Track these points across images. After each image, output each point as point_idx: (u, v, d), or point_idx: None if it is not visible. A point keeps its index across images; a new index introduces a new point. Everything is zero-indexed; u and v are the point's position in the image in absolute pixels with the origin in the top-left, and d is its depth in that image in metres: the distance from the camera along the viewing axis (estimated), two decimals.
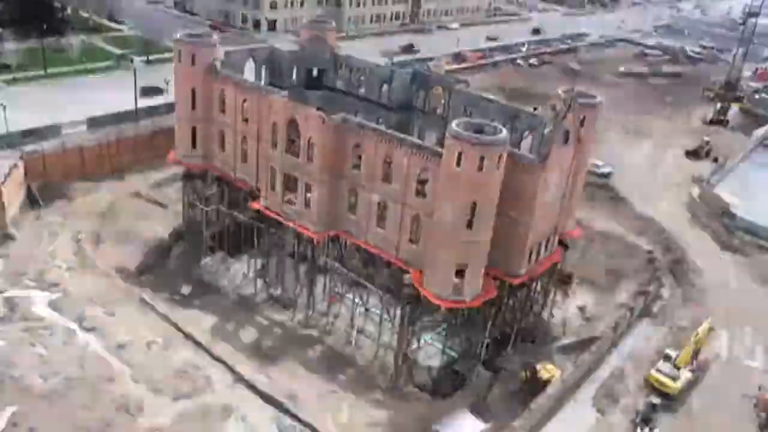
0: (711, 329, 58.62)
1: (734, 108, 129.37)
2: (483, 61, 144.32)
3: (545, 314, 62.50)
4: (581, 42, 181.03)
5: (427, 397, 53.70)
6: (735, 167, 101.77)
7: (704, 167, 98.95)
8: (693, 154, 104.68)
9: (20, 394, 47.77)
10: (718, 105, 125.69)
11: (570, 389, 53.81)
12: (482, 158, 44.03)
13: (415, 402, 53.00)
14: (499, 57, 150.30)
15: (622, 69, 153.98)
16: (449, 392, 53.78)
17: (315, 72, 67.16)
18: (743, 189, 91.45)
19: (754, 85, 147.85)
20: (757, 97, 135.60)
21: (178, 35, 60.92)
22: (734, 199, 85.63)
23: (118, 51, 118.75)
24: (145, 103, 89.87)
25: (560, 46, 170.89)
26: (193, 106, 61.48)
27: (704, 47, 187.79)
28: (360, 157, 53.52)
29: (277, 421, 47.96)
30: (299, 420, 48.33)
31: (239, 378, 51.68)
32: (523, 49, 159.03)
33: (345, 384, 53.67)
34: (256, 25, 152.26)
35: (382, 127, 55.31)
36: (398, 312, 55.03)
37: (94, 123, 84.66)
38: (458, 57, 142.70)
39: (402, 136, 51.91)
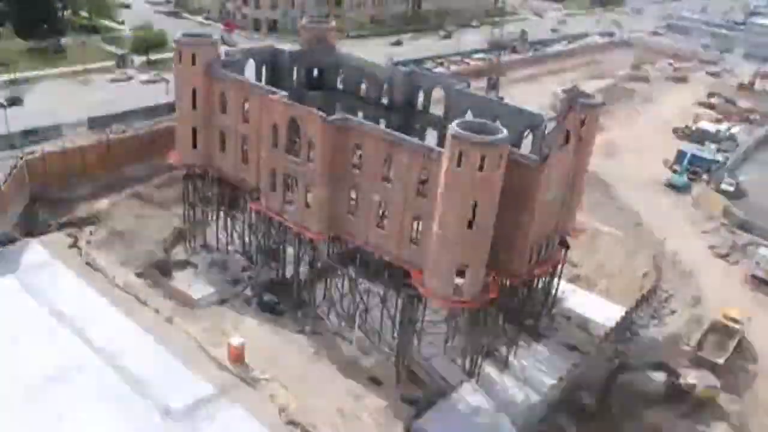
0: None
1: None
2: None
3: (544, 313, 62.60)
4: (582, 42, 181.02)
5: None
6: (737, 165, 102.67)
7: None
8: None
9: None
10: None
11: None
12: (483, 158, 43.95)
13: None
14: None
15: None
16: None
17: (315, 72, 67.12)
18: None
19: None
20: None
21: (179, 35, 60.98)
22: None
23: (118, 51, 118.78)
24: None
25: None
26: (194, 107, 61.44)
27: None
28: (360, 157, 53.50)
29: None
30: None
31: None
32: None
33: (347, 383, 53.63)
34: (257, 25, 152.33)
35: (383, 127, 55.26)
36: (399, 312, 55.06)
37: (94, 123, 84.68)
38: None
39: (402, 136, 51.84)
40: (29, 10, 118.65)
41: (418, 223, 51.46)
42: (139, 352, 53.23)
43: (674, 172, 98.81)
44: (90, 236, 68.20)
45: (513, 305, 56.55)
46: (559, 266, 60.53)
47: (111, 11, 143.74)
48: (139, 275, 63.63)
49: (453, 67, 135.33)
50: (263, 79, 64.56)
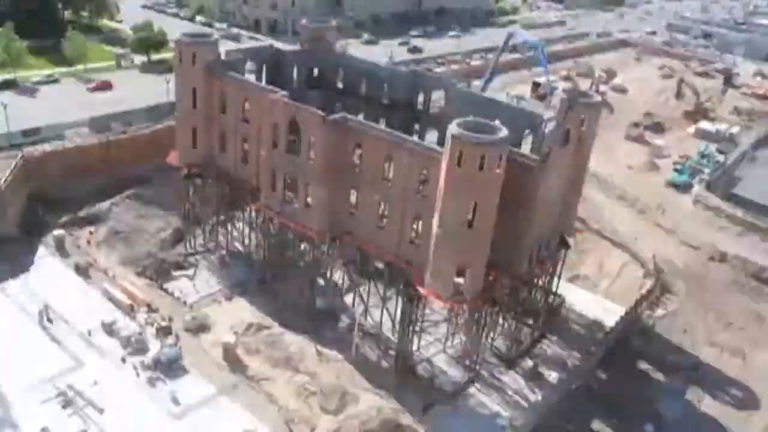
0: None
1: None
2: None
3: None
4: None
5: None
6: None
7: None
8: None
9: None
10: None
11: None
12: (483, 158, 43.92)
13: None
14: None
15: None
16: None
17: (315, 71, 67.07)
18: None
19: None
20: None
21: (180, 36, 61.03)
22: None
23: (118, 51, 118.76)
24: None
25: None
26: (194, 106, 61.43)
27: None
28: (360, 157, 53.48)
29: None
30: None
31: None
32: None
33: (347, 383, 53.56)
34: (257, 25, 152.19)
35: (383, 127, 55.23)
36: (399, 311, 55.09)
37: (94, 122, 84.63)
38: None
39: (403, 135, 51.84)
40: (30, 10, 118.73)
41: (418, 223, 51.46)
42: (138, 352, 53.24)
43: (676, 171, 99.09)
44: (90, 236, 68.22)
45: (513, 305, 56.59)
46: (559, 266, 60.51)
47: (111, 11, 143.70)
48: (139, 275, 63.67)
49: (454, 67, 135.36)
50: (264, 78, 64.55)
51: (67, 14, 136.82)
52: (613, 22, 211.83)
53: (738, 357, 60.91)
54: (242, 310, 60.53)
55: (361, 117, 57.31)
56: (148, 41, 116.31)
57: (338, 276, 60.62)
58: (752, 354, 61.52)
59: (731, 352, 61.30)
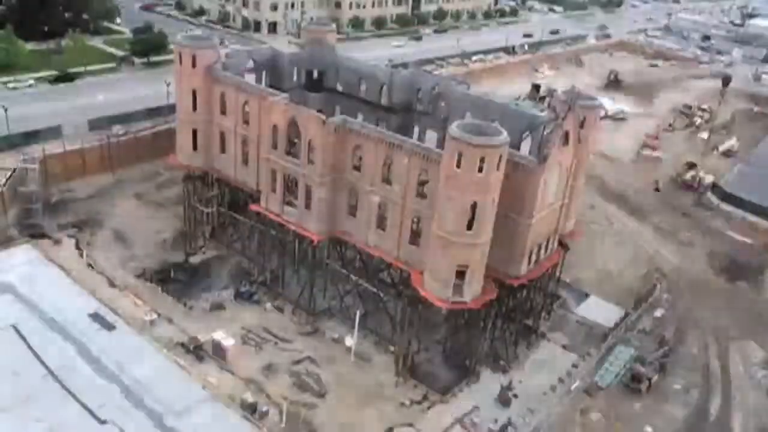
0: None
1: None
2: None
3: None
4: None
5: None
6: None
7: None
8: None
9: None
10: None
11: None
12: (482, 159, 44.14)
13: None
14: None
15: None
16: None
17: (315, 74, 67.31)
18: None
19: None
20: None
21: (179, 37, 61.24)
22: None
23: (119, 53, 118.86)
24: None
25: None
26: (194, 108, 61.63)
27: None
28: (360, 159, 53.69)
29: None
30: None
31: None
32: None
33: (345, 384, 53.78)
34: (257, 27, 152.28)
35: (383, 129, 55.45)
36: (399, 312, 55.25)
37: (95, 124, 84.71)
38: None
39: (402, 137, 52.05)
40: (30, 12, 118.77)
41: (418, 225, 51.65)
42: (137, 354, 53.46)
43: None
44: (90, 237, 68.37)
45: (512, 306, 56.75)
46: (558, 267, 60.69)
47: (112, 14, 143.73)
48: (138, 276, 63.81)
49: (452, 69, 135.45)
50: (264, 81, 64.74)
51: (68, 16, 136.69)
52: (613, 24, 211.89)
53: None
54: (242, 311, 60.73)
55: (360, 119, 57.50)
56: (148, 43, 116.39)
57: (338, 277, 60.68)
58: None
59: None
